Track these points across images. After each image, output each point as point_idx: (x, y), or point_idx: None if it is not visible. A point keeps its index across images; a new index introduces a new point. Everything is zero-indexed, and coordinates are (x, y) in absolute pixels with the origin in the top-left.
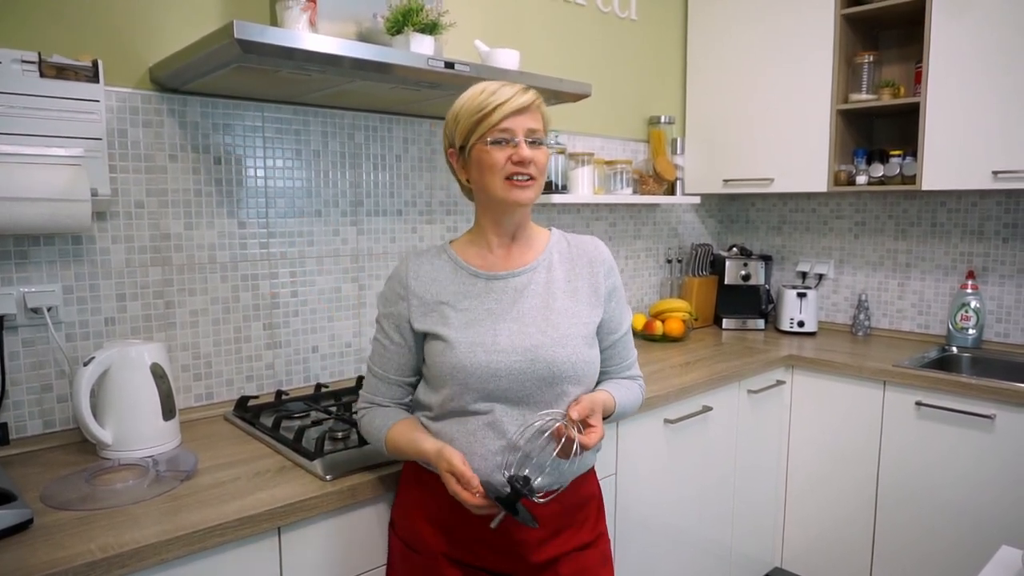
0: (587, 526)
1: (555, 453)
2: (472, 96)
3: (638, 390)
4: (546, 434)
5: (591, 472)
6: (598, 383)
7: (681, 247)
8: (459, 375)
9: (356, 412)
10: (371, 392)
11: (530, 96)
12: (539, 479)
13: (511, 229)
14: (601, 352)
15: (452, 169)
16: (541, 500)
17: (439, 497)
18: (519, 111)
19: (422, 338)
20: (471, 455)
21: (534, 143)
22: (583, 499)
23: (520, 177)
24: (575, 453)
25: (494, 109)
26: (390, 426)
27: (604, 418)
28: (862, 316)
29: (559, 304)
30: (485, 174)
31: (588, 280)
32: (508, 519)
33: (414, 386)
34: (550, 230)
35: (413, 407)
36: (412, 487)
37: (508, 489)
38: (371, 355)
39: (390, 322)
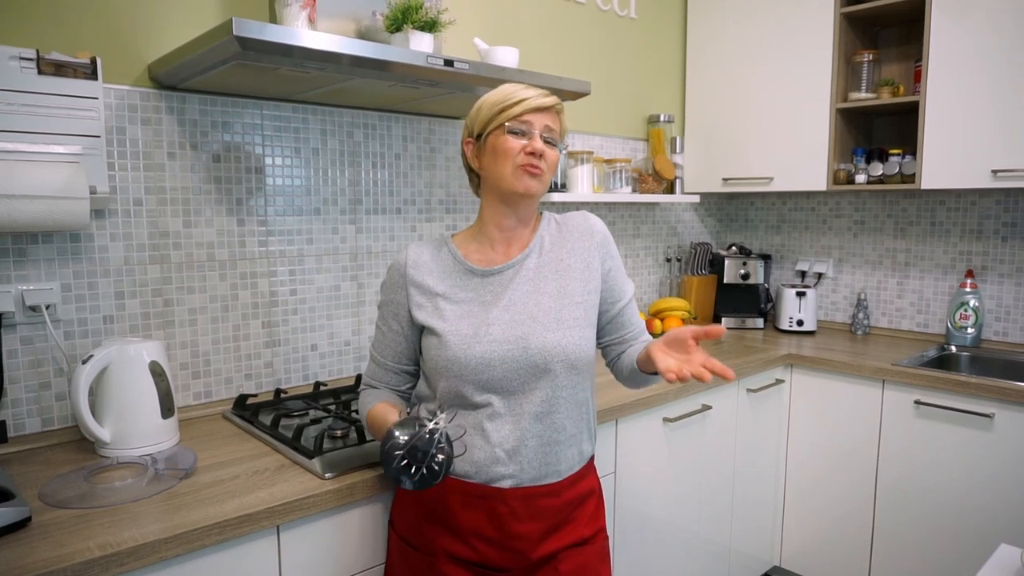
0: (586, 522)
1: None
2: (498, 91)
3: None
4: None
5: (590, 467)
6: (621, 355)
7: (680, 246)
8: (454, 368)
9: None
10: (370, 375)
11: (553, 99)
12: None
13: (514, 223)
14: (609, 324)
15: (465, 160)
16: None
17: (438, 494)
18: (540, 109)
19: (420, 329)
20: (472, 447)
21: (548, 141)
22: (582, 495)
23: (534, 167)
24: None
25: (517, 102)
26: (373, 405)
27: (654, 372)
28: (861, 315)
29: (549, 287)
30: (498, 160)
31: (581, 255)
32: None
33: (411, 373)
34: (540, 214)
35: (415, 401)
36: None
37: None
38: (373, 340)
39: (389, 310)
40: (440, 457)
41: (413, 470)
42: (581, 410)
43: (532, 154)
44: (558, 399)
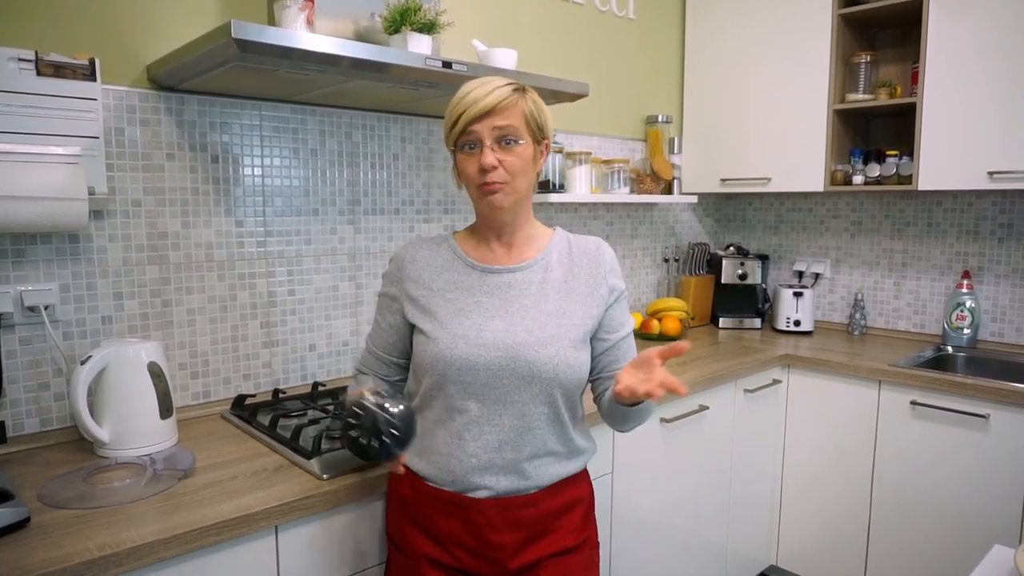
0: (570, 531)
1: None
2: (454, 99)
3: None
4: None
5: (579, 477)
6: (607, 390)
7: (678, 246)
8: (439, 366)
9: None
10: (363, 362)
11: (497, 96)
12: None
13: (504, 228)
14: (603, 355)
15: None
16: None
17: (421, 499)
18: (484, 114)
19: (411, 328)
20: (449, 456)
21: (505, 142)
22: (567, 504)
23: (488, 184)
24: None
25: (460, 115)
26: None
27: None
28: (858, 315)
29: (551, 305)
30: (463, 181)
31: (587, 281)
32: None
33: (401, 367)
34: (554, 229)
35: (406, 397)
36: (398, 489)
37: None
38: (371, 328)
39: (385, 301)
40: (394, 410)
41: (379, 441)
42: (563, 429)
43: (482, 170)
44: (538, 415)
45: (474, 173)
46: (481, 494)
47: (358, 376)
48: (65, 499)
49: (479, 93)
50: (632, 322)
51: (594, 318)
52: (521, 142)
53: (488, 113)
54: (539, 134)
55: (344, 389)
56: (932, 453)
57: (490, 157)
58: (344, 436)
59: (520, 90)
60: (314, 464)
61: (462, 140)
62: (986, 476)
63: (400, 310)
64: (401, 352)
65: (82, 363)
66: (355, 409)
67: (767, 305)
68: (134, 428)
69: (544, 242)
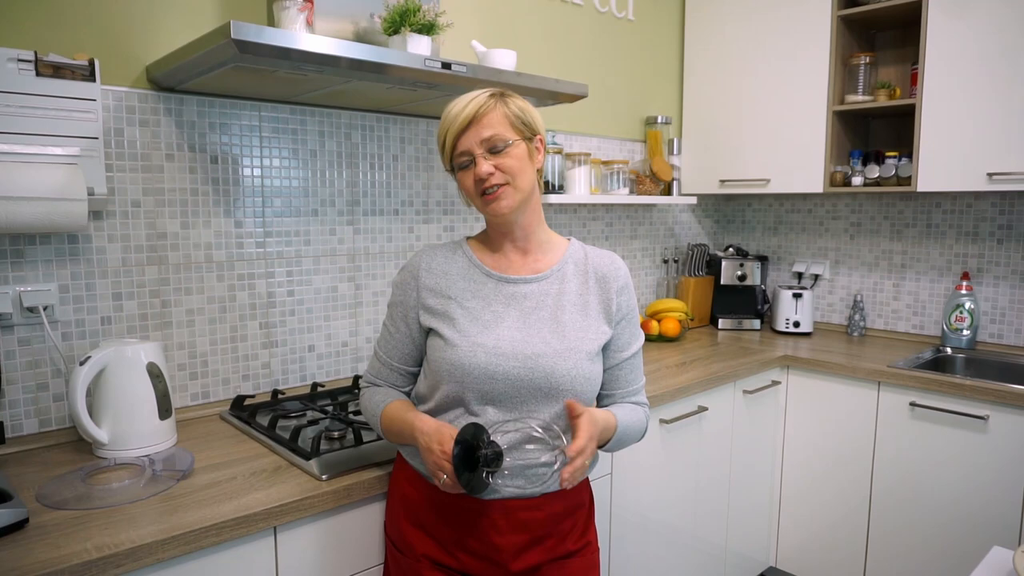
0: (572, 535)
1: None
2: (440, 122)
3: (643, 417)
4: (539, 450)
5: (583, 480)
6: (602, 407)
7: (677, 247)
8: (457, 374)
9: (359, 389)
10: (373, 374)
11: (476, 104)
12: (506, 470)
13: (516, 230)
14: (606, 372)
15: None
16: (499, 482)
17: (423, 500)
18: (466, 127)
19: (426, 333)
20: None
21: (495, 151)
22: (569, 508)
23: (489, 190)
24: (543, 481)
25: (445, 136)
26: (388, 402)
27: (601, 445)
28: (857, 317)
29: (567, 317)
30: (466, 196)
31: (600, 297)
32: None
33: (415, 375)
34: (568, 239)
35: (415, 400)
36: (399, 489)
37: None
38: (379, 338)
39: (398, 311)
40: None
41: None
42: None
43: (480, 180)
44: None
45: (473, 185)
46: (486, 496)
47: (372, 389)
48: (64, 500)
49: (458, 107)
50: (641, 341)
51: (606, 334)
52: (511, 143)
53: (471, 123)
54: (527, 131)
55: (344, 391)
56: (931, 454)
57: (484, 166)
58: (470, 466)
59: (497, 95)
60: (313, 465)
61: (456, 161)
62: (985, 477)
63: (416, 319)
64: (416, 361)
65: (81, 364)
66: (497, 448)
67: (766, 306)
68: (133, 429)
69: (559, 252)
